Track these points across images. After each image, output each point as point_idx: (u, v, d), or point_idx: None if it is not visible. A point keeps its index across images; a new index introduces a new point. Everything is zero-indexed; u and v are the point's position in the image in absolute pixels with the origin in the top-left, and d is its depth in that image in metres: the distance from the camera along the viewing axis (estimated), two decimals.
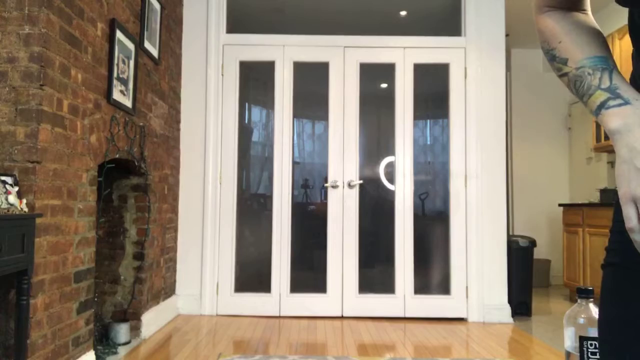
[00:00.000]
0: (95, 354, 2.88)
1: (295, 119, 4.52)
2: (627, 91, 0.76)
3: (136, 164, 3.37)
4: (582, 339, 1.39)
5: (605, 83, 0.77)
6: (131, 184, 3.56)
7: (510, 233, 6.23)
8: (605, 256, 0.86)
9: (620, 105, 0.75)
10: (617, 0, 0.79)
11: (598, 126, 5.47)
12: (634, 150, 0.72)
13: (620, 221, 0.84)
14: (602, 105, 0.77)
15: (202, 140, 4.36)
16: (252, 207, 4.74)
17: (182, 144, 4.36)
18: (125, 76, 3.14)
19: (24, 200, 2.15)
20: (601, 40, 0.82)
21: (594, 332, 1.39)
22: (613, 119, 0.75)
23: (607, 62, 0.79)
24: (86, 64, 2.66)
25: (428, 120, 4.78)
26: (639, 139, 0.72)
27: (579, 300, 1.45)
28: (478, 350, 3.39)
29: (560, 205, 5.58)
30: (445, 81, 4.48)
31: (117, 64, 3.01)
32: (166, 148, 3.99)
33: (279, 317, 4.28)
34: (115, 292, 3.47)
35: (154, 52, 3.66)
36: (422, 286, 4.39)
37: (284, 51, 4.47)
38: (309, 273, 4.54)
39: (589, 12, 0.86)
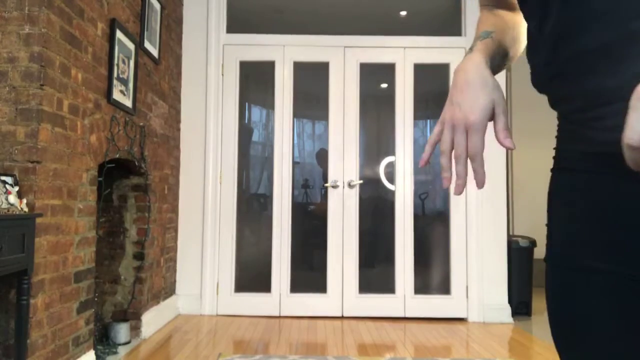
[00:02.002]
0: (96, 353, 2.88)
1: (295, 119, 4.52)
2: (478, 47, 0.91)
3: (136, 163, 3.37)
4: None
5: (472, 45, 0.92)
6: (131, 183, 3.56)
7: (511, 233, 6.23)
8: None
9: (466, 55, 0.91)
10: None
11: None
12: (453, 85, 0.88)
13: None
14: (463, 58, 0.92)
15: (202, 140, 4.36)
16: (252, 207, 4.75)
17: (182, 143, 4.36)
18: (125, 76, 3.14)
19: (24, 200, 2.15)
20: (500, 22, 0.96)
21: None
22: (458, 65, 0.91)
23: (488, 34, 0.93)
24: (86, 64, 2.66)
25: (428, 120, 4.78)
26: (459, 80, 0.87)
27: None
28: (478, 350, 3.39)
29: None
30: (446, 81, 4.48)
31: (117, 64, 3.01)
32: (166, 148, 3.99)
33: (279, 317, 4.28)
34: (116, 292, 3.47)
35: (154, 52, 3.66)
36: (422, 286, 4.39)
37: (284, 51, 4.47)
38: (309, 273, 4.54)
39: (516, 10, 0.98)
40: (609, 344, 0.74)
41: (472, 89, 0.85)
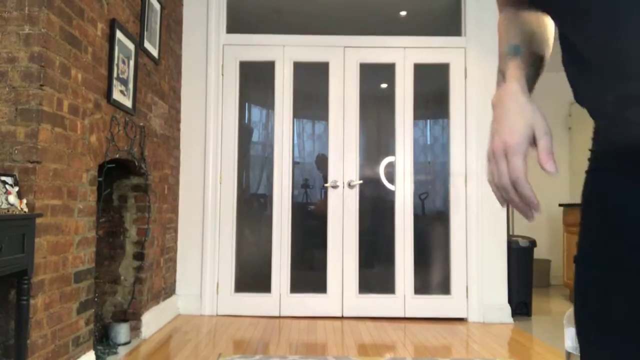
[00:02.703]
0: (96, 354, 2.88)
1: (295, 119, 4.52)
2: (510, 72, 0.89)
3: (136, 164, 3.37)
4: None
5: (502, 66, 0.91)
6: (131, 184, 3.56)
7: (510, 233, 6.23)
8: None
9: (499, 85, 0.90)
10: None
11: None
12: (493, 119, 0.88)
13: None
14: (497, 85, 0.91)
15: (202, 140, 4.36)
16: (252, 207, 4.75)
17: (182, 144, 4.36)
18: (125, 76, 3.14)
19: (24, 200, 2.15)
20: (526, 30, 0.93)
21: None
22: (493, 96, 0.90)
23: (516, 49, 0.91)
24: (86, 64, 2.66)
25: (428, 120, 4.78)
26: (497, 112, 0.87)
27: None
28: (478, 351, 3.39)
29: (560, 205, 5.58)
30: (446, 81, 4.47)
31: (117, 64, 3.01)
32: (166, 148, 3.99)
33: (279, 317, 4.28)
34: (116, 292, 3.47)
35: (154, 52, 3.66)
36: (422, 286, 4.39)
37: (284, 51, 4.47)
38: (309, 273, 4.55)
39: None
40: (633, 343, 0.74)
41: (509, 117, 0.84)
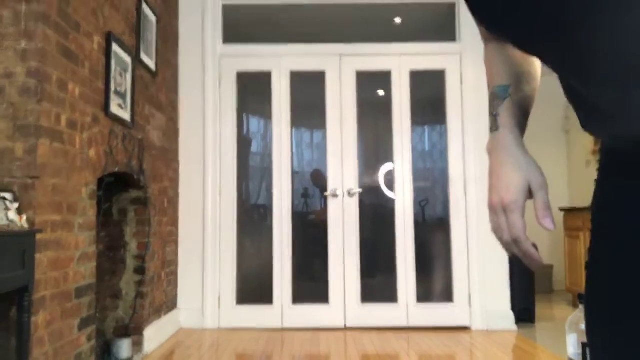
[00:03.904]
0: None
1: (293, 128, 4.51)
2: (502, 119, 0.90)
3: (135, 177, 3.35)
4: (585, 346, 1.38)
5: (494, 110, 0.91)
6: (131, 197, 3.54)
7: None
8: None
9: (493, 131, 0.90)
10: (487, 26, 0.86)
11: None
12: (490, 170, 0.89)
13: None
14: (489, 129, 0.92)
15: (201, 151, 4.34)
16: (253, 218, 4.72)
17: (180, 156, 4.34)
18: (122, 89, 3.13)
19: (24, 217, 2.12)
20: (514, 70, 0.92)
21: None
22: (488, 142, 0.91)
23: (506, 91, 0.91)
24: (83, 78, 2.65)
25: (426, 127, 4.78)
26: (493, 163, 0.89)
27: (580, 306, 1.44)
28: (482, 359, 3.37)
29: (561, 209, 5.57)
30: (442, 87, 4.48)
31: (114, 77, 3.00)
32: (165, 160, 3.97)
33: (282, 329, 4.24)
34: (117, 307, 3.44)
35: (151, 65, 3.65)
36: (424, 294, 4.36)
37: (281, 61, 4.47)
38: (311, 283, 4.52)
39: None
40: None
41: (504, 172, 0.87)
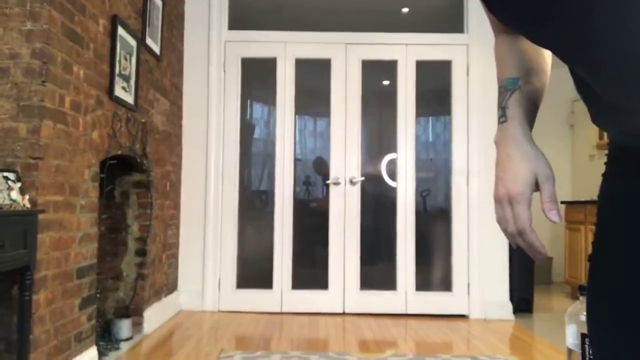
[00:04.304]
0: (98, 349, 2.89)
1: (297, 115, 4.51)
2: (511, 111, 0.90)
3: (138, 160, 3.38)
4: (584, 336, 1.39)
5: (503, 102, 0.91)
6: (133, 180, 3.56)
7: None
8: None
9: (501, 123, 0.91)
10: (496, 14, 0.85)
11: None
12: (497, 162, 0.89)
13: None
14: (498, 120, 0.92)
15: (204, 136, 4.36)
16: (254, 203, 4.75)
17: (184, 140, 4.36)
18: (127, 72, 3.14)
19: (27, 197, 2.15)
20: (524, 63, 0.92)
21: None
22: (496, 134, 0.91)
23: (515, 83, 0.91)
24: (88, 60, 2.67)
25: (430, 117, 4.78)
26: (500, 155, 0.89)
27: (580, 298, 1.45)
28: (479, 347, 3.40)
29: (562, 202, 5.58)
30: (448, 78, 4.47)
31: (119, 61, 3.01)
32: (168, 145, 3.99)
33: (281, 313, 4.28)
34: (118, 288, 3.47)
35: (156, 49, 3.66)
36: (423, 283, 4.39)
37: (286, 48, 4.47)
38: (311, 269, 4.55)
39: None
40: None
41: (512, 163, 0.87)
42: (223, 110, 4.40)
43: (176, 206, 4.22)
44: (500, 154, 0.89)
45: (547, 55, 0.95)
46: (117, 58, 2.98)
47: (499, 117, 0.91)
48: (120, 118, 3.07)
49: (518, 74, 0.92)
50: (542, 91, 0.95)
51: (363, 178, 4.42)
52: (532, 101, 0.92)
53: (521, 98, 0.90)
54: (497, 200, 0.88)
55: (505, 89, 0.92)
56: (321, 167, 4.53)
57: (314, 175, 4.68)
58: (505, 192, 0.86)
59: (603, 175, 0.89)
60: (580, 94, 0.84)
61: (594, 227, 0.92)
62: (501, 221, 0.88)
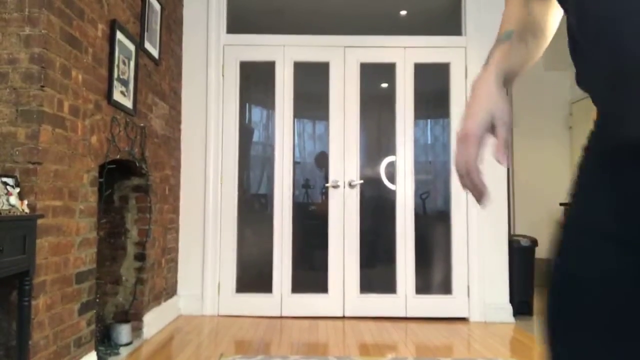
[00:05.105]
0: (97, 354, 2.88)
1: (295, 119, 4.51)
2: (495, 57, 0.92)
3: (137, 164, 3.37)
4: None
5: (492, 49, 0.94)
6: (132, 184, 3.56)
7: (512, 232, 6.22)
8: None
9: (483, 67, 0.93)
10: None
11: None
12: (467, 102, 0.91)
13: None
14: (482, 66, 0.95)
15: (202, 140, 4.36)
16: (253, 207, 4.74)
17: (183, 144, 4.36)
18: (125, 77, 3.14)
19: (25, 202, 2.15)
20: (524, 19, 0.94)
21: None
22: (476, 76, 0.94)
23: (509, 36, 0.93)
24: (87, 65, 2.66)
25: (429, 120, 4.78)
26: (470, 96, 0.90)
27: None
28: (480, 350, 3.39)
29: (561, 204, 5.58)
30: (446, 80, 4.47)
31: (118, 65, 3.01)
32: (167, 149, 3.99)
33: (281, 317, 4.27)
34: (117, 293, 3.47)
35: (155, 53, 3.66)
36: (423, 286, 4.38)
37: (285, 51, 4.47)
38: (310, 273, 4.54)
39: None
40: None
41: (476, 103, 0.89)
42: (222, 113, 4.40)
43: (175, 210, 4.22)
44: (471, 93, 0.91)
45: (553, 19, 0.96)
46: (116, 62, 2.98)
47: (484, 63, 0.94)
48: (119, 122, 3.07)
49: (514, 28, 0.94)
50: (535, 52, 0.96)
51: (362, 181, 4.42)
52: (519, 56, 0.94)
53: (509, 50, 0.93)
54: (456, 139, 0.90)
55: (499, 40, 0.94)
56: (324, 162, 4.51)
57: (313, 179, 4.68)
58: (462, 131, 0.87)
59: (577, 172, 0.85)
60: (570, 51, 0.82)
61: None
62: (455, 161, 0.89)
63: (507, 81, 0.94)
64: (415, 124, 4.48)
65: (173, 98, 4.15)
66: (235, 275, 4.35)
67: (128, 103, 3.18)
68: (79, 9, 2.57)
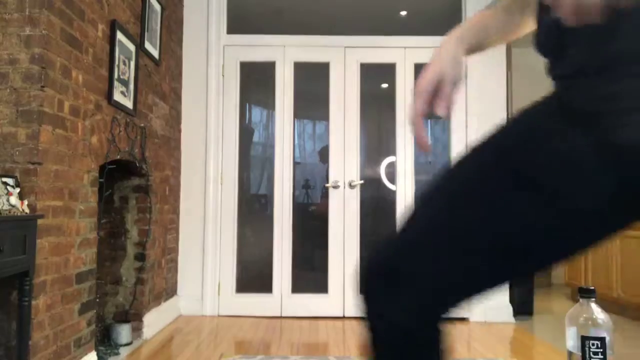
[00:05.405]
0: (97, 354, 2.88)
1: (296, 119, 4.51)
2: (467, 21, 1.00)
3: (137, 165, 3.38)
4: (584, 339, 1.39)
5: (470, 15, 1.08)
6: (132, 185, 3.56)
7: None
8: None
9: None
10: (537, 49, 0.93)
11: None
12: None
13: None
14: None
15: (203, 140, 4.36)
16: (253, 207, 4.75)
17: (183, 144, 4.36)
18: (126, 77, 3.14)
19: (26, 202, 2.15)
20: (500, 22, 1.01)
21: (595, 332, 1.39)
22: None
23: (494, 2, 1.00)
24: (87, 65, 2.67)
25: (429, 120, 4.78)
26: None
27: (580, 300, 1.45)
28: (480, 350, 3.39)
29: None
30: None
31: (118, 65, 3.01)
32: (167, 149, 3.99)
33: (281, 317, 4.28)
34: (117, 293, 3.47)
35: (155, 53, 3.66)
36: None
37: (285, 52, 4.47)
38: (311, 273, 4.54)
39: None
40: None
41: (431, 62, 0.96)
42: (222, 114, 4.41)
43: (175, 210, 4.22)
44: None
45: (519, 31, 1.04)
46: (116, 63, 2.98)
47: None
48: (119, 123, 3.07)
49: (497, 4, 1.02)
50: (518, 28, 1.02)
51: (362, 181, 4.42)
52: (499, 26, 1.00)
53: (489, 17, 1.00)
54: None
55: (486, 6, 1.02)
56: (327, 156, 4.49)
57: (313, 179, 4.68)
58: (416, 87, 0.96)
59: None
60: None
61: None
62: (408, 113, 1.00)
63: (477, 46, 1.00)
64: None
65: (173, 98, 4.15)
66: (235, 275, 4.36)
67: (128, 103, 3.18)
68: (79, 9, 2.57)
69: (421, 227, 0.89)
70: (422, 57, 4.48)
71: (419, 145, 0.96)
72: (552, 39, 0.84)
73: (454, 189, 0.89)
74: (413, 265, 0.87)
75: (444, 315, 0.89)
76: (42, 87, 2.25)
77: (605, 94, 0.75)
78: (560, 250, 0.83)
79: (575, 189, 0.78)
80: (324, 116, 4.50)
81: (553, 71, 0.86)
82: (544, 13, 0.86)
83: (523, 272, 0.90)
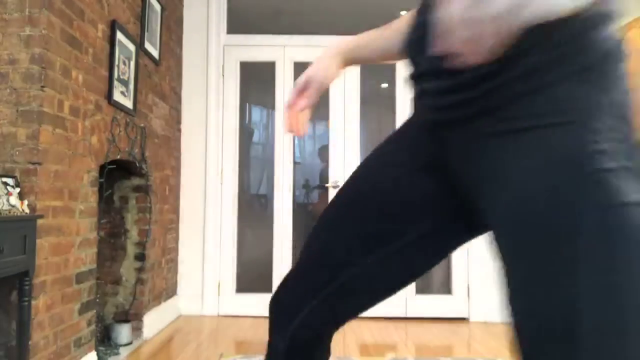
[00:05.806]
0: (97, 354, 2.88)
1: None
2: (360, 35, 1.15)
3: (137, 165, 3.38)
4: None
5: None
6: (132, 185, 3.56)
7: None
8: None
9: None
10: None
11: None
12: None
13: None
14: None
15: (203, 140, 4.36)
16: (253, 207, 4.75)
17: (183, 144, 4.36)
18: (125, 77, 3.14)
19: (26, 202, 2.15)
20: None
21: None
22: None
23: (381, 27, 1.13)
24: (87, 65, 2.67)
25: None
26: None
27: None
28: (480, 350, 3.39)
29: None
30: None
31: (118, 65, 3.01)
32: (167, 149, 3.99)
33: None
34: (117, 293, 3.47)
35: (155, 53, 3.66)
36: (423, 286, 4.38)
37: (285, 52, 4.47)
38: None
39: None
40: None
41: (310, 66, 1.13)
42: (222, 114, 4.41)
43: (175, 210, 4.22)
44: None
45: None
46: (116, 63, 2.98)
47: None
48: (119, 123, 3.07)
49: (398, 24, 1.11)
50: (374, 56, 1.16)
51: None
52: (381, 48, 1.12)
53: (375, 37, 1.12)
54: None
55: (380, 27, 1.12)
56: (327, 156, 4.50)
57: (313, 179, 4.68)
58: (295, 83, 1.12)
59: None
60: None
61: None
62: None
63: (353, 60, 1.15)
64: None
65: (173, 98, 4.15)
66: (236, 275, 4.35)
67: (128, 103, 3.18)
68: (79, 9, 2.57)
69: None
70: None
71: (289, 131, 1.12)
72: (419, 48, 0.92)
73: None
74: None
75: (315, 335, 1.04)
76: (42, 87, 2.25)
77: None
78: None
79: None
80: (324, 116, 4.50)
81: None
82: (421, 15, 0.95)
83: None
